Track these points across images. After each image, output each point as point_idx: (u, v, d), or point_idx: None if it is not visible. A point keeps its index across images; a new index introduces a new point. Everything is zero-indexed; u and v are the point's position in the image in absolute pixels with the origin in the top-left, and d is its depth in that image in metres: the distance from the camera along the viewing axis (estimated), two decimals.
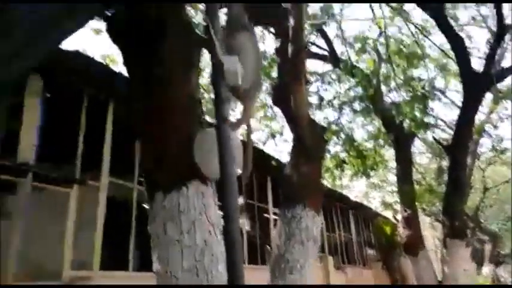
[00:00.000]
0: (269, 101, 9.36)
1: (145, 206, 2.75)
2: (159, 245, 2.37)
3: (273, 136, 9.98)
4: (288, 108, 4.21)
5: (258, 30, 7.29)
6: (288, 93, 4.10)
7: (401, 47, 9.59)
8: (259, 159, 9.22)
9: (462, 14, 10.44)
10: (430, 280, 10.70)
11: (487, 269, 22.98)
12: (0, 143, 4.19)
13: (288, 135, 8.93)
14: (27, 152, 4.58)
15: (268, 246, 9.73)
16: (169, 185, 2.42)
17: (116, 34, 2.61)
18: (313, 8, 8.59)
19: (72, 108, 5.59)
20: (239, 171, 2.23)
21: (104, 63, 6.52)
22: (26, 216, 4.65)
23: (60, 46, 3.64)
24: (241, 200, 8.94)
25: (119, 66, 6.52)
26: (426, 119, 9.90)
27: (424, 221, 17.22)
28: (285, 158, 9.79)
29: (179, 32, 2.49)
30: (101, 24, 4.34)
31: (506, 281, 36.16)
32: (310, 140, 3.98)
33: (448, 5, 8.87)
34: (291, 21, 4.03)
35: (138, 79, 2.57)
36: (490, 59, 9.02)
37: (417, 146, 16.47)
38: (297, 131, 4.11)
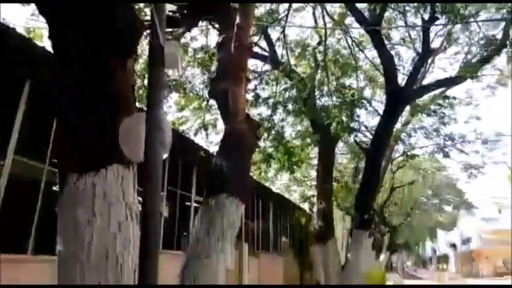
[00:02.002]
0: (205, 93, 9.33)
1: (55, 188, 2.54)
2: (67, 227, 2.19)
3: (205, 128, 9.95)
4: (224, 102, 4.19)
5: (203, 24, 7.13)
6: (227, 88, 4.07)
7: (338, 56, 10.13)
8: (188, 149, 9.08)
9: (395, 35, 11.37)
10: (336, 264, 11.77)
11: (383, 256, 25.88)
12: None
13: (221, 127, 8.98)
14: None
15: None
16: (86, 167, 2.28)
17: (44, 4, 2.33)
18: (260, 11, 8.68)
19: None
20: (166, 155, 2.19)
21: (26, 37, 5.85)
22: None
23: None
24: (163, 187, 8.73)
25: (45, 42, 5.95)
26: (351, 124, 10.62)
27: (336, 214, 18.56)
28: (214, 149, 9.84)
29: (121, 16, 2.30)
30: None
31: (397, 266, 41.24)
32: (244, 134, 4.01)
33: (384, 25, 9.57)
34: (238, 20, 3.98)
35: (66, 58, 2.33)
36: (413, 76, 9.92)
37: (339, 147, 17.63)
38: (231, 124, 4.10)
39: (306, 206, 19.04)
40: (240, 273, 11.99)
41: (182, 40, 9.20)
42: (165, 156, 2.18)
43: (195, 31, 8.80)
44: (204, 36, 9.05)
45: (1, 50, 4.95)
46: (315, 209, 14.66)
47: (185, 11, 6.07)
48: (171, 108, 10.44)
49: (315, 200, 14.53)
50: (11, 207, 5.21)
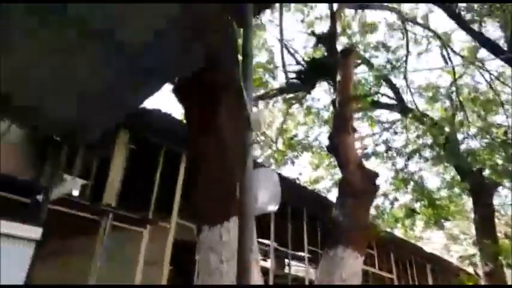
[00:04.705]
0: None
1: None
2: (203, 271, 2.74)
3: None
4: (338, 154, 4.36)
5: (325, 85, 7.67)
6: (338, 140, 4.27)
7: (475, 93, 9.24)
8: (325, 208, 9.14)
9: None
10: None
11: None
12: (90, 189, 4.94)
13: None
14: (110, 197, 5.25)
15: None
16: (215, 220, 2.80)
17: (179, 95, 3.17)
18: (377, 61, 8.82)
19: (151, 159, 6.22)
20: (276, 207, 2.50)
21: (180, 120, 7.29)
22: (104, 251, 5.08)
23: (144, 105, 4.22)
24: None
25: None
26: (510, 167, 9.13)
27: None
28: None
29: (232, 93, 2.90)
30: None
31: None
32: (358, 183, 4.04)
33: None
34: (339, 73, 4.27)
35: (197, 131, 3.04)
36: None
37: (503, 195, 14.90)
38: (344, 174, 4.21)
39: (470, 268, 16.21)
40: None
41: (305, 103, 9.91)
42: (274, 209, 2.55)
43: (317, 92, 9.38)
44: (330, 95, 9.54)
45: (163, 131, 6.20)
46: (479, 271, 12.40)
47: (302, 76, 6.65)
48: (305, 168, 10.99)
49: (477, 259, 12.33)
50: (176, 264, 6.14)
